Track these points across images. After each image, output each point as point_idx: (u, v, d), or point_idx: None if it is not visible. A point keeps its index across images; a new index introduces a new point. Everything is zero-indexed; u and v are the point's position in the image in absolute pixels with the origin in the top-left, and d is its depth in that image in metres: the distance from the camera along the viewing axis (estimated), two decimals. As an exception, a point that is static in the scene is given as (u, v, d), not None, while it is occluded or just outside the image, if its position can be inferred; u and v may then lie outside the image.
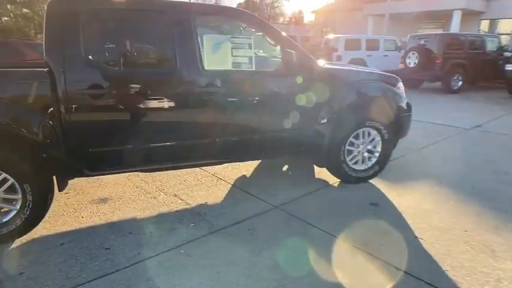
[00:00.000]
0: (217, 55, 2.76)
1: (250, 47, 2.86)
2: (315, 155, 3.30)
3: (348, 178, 3.40)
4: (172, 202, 3.09)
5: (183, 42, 2.60)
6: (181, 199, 3.14)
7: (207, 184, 3.48)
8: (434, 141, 4.98)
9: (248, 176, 3.74)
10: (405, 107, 3.53)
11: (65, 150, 2.44)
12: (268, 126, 2.99)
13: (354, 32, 14.85)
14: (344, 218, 2.80)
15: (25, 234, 2.49)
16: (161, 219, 2.80)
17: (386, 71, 3.85)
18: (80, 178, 2.85)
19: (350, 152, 3.35)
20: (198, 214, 2.87)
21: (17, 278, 2.09)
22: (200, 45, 2.67)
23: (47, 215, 2.63)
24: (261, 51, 3.19)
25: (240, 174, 3.74)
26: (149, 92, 2.56)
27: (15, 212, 2.42)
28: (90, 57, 2.41)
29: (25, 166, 2.37)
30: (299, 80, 2.97)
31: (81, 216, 2.85)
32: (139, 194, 3.26)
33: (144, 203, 3.07)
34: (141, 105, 2.55)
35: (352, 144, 3.34)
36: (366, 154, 3.44)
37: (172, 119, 2.69)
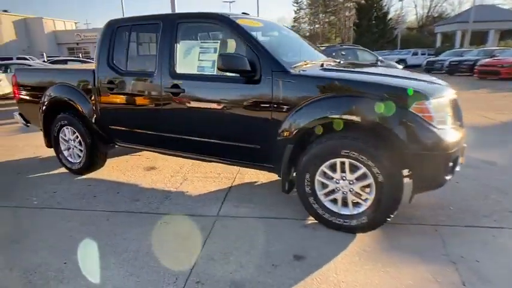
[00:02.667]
0: (186, 60, 3.00)
1: (215, 52, 2.87)
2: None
3: (319, 218, 2.63)
4: (173, 183, 3.66)
5: (163, 49, 3.06)
6: (181, 183, 3.64)
7: (216, 179, 3.74)
8: None
9: (259, 183, 3.61)
10: (428, 142, 2.20)
11: (98, 124, 3.61)
12: (212, 132, 2.90)
13: None
14: (238, 256, 2.37)
15: (81, 175, 3.93)
16: (145, 192, 3.46)
17: None
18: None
19: (325, 185, 2.57)
20: (165, 198, 3.31)
21: (54, 195, 3.48)
22: (174, 51, 3.02)
23: (109, 166, 4.05)
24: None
25: (255, 180, 3.68)
26: (141, 89, 3.25)
27: (80, 159, 3.89)
28: (113, 62, 3.40)
29: (81, 128, 3.73)
30: (250, 87, 2.66)
31: (123, 174, 4.00)
32: (172, 171, 4.04)
33: (161, 178, 3.82)
34: (138, 99, 3.29)
35: (328, 176, 2.54)
36: (350, 195, 2.50)
37: (158, 112, 3.22)
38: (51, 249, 2.47)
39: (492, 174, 3.70)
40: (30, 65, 12.92)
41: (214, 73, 2.87)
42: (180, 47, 3.03)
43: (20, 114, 4.41)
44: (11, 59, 20.17)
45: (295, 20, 65.86)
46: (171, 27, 3.06)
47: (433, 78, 2.81)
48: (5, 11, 41.67)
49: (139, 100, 3.27)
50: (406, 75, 2.79)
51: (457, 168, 2.53)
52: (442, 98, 2.34)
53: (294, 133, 2.54)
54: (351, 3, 52.38)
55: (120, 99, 3.39)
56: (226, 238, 2.57)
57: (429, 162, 2.23)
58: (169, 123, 3.16)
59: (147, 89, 3.20)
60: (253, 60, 2.65)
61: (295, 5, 65.81)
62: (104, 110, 3.54)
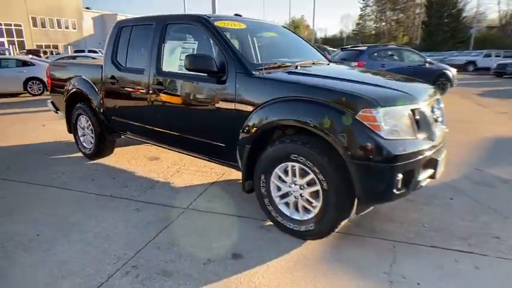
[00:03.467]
0: (171, 59, 3.17)
1: (194, 52, 2.99)
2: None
3: (273, 220, 2.63)
4: (164, 174, 3.89)
5: (153, 48, 3.28)
6: (171, 175, 3.86)
7: (206, 173, 3.89)
8: None
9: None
10: (370, 152, 2.07)
11: (104, 115, 3.97)
12: (185, 128, 3.06)
13: None
14: (182, 248, 2.48)
15: (92, 160, 4.35)
16: (136, 180, 3.74)
17: None
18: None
19: (280, 188, 2.57)
20: (150, 187, 3.55)
21: (61, 175, 3.93)
22: (162, 50, 3.21)
23: (120, 154, 4.44)
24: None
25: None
26: (134, 85, 3.52)
27: (91, 145, 4.31)
28: (116, 58, 3.72)
29: (92, 117, 4.13)
30: (218, 87, 2.75)
31: (128, 162, 4.34)
32: (171, 162, 4.29)
33: (158, 168, 4.08)
34: (131, 93, 3.57)
35: (282, 179, 2.53)
36: (300, 200, 2.47)
37: (146, 106, 3.46)
38: (34, 222, 2.83)
39: (498, 193, 3.32)
40: (94, 58, 14.30)
41: (191, 72, 2.99)
42: (167, 47, 3.21)
43: (52, 103, 4.99)
44: (84, 51, 22.49)
45: (361, 17, 63.27)
46: (161, 28, 3.25)
47: (412, 87, 2.62)
48: (87, 8, 46.38)
49: (132, 94, 3.54)
50: (375, 81, 2.64)
51: (423, 183, 2.36)
52: (396, 107, 2.19)
53: (250, 134, 2.58)
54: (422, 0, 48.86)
55: (118, 93, 3.69)
56: (182, 230, 2.70)
57: (372, 174, 2.11)
58: (155, 117, 3.38)
59: (138, 84, 3.44)
60: (222, 61, 2.73)
61: (361, 1, 63.17)
62: (107, 102, 3.88)
